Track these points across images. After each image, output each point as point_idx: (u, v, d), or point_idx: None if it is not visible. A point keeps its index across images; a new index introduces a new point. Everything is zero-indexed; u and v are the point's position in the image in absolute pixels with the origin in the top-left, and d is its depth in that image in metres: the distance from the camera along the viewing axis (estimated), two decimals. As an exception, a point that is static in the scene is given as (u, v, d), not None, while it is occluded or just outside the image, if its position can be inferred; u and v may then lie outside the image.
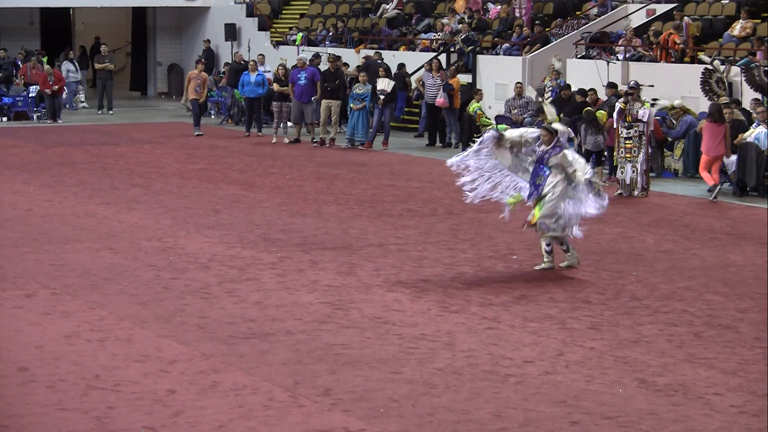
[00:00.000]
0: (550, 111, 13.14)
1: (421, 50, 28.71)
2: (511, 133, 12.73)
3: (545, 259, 12.63)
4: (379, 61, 25.83)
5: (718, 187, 17.72)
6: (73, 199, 17.12)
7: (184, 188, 18.26)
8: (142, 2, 36.94)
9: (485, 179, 12.74)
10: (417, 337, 9.93)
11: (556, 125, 12.57)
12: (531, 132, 12.68)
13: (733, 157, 18.33)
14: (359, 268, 12.62)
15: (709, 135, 17.84)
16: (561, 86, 23.52)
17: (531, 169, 12.55)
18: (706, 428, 7.84)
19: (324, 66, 25.75)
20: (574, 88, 23.28)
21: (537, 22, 27.40)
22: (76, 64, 32.51)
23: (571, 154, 12.39)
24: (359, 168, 20.99)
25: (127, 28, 40.37)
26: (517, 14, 28.02)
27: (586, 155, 19.80)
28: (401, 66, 27.21)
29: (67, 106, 31.39)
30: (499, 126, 18.26)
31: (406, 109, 27.74)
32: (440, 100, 24.28)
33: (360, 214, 15.95)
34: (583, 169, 12.33)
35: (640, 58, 23.96)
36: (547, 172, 12.26)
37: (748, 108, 19.95)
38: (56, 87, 28.93)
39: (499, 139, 12.57)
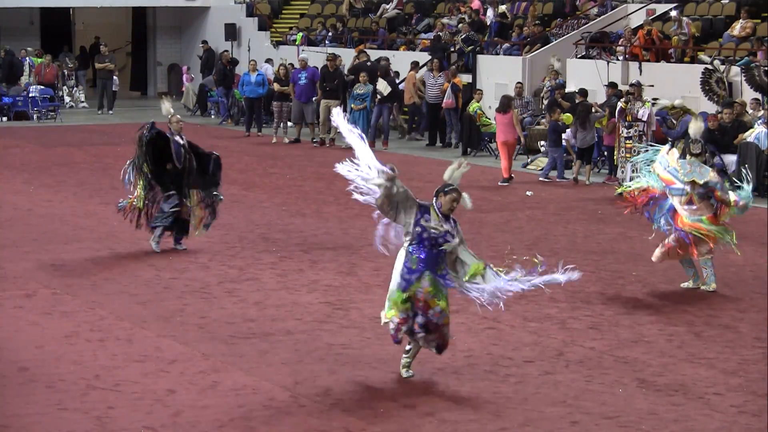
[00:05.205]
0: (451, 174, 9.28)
1: (421, 50, 28.70)
2: (401, 187, 9.34)
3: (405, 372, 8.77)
4: (368, 64, 25.77)
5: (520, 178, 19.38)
6: (73, 199, 17.11)
7: (184, 188, 18.23)
8: (142, 2, 36.94)
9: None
10: (417, 337, 9.92)
11: (465, 198, 9.19)
12: (411, 200, 9.35)
13: (733, 157, 18.32)
14: (359, 268, 12.62)
15: (498, 123, 19.87)
16: (556, 86, 23.49)
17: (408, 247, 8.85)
18: (706, 428, 7.85)
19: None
20: (573, 88, 23.29)
21: (537, 22, 27.38)
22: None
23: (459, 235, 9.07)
24: (359, 168, 20.96)
25: (127, 28, 40.35)
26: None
27: (579, 153, 19.86)
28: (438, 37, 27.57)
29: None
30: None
31: (405, 109, 27.76)
32: (448, 101, 24.24)
33: (360, 214, 15.92)
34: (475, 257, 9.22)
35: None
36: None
37: (748, 109, 19.95)
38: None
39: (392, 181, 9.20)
